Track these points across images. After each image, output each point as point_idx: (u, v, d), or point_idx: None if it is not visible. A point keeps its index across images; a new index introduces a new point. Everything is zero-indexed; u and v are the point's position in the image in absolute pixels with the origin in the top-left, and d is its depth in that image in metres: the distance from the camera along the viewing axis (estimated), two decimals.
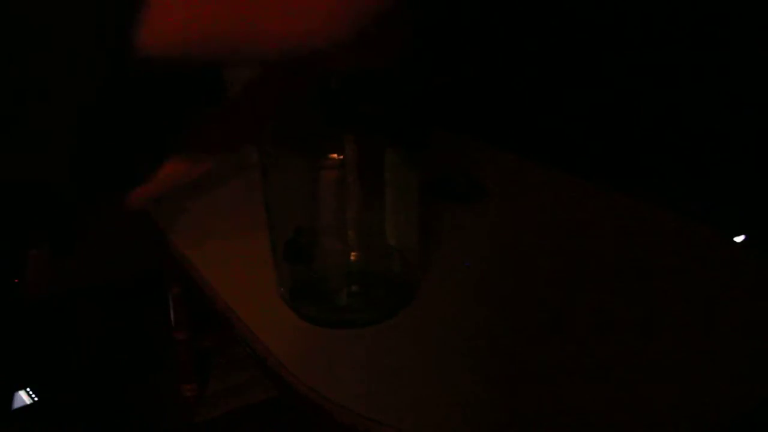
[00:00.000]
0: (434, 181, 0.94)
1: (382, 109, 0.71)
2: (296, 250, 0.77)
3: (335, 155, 0.71)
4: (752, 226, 1.05)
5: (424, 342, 0.73)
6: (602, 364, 0.69)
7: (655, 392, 0.66)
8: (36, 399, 1.30)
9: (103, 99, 0.30)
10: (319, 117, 0.70)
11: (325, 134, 0.71)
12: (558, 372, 0.68)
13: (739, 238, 1.02)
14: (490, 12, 1.15)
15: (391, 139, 0.71)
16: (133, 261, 1.59)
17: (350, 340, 0.73)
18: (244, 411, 1.53)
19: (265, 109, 0.40)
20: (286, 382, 0.70)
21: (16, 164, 0.31)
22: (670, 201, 0.93)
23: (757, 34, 1.08)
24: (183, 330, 1.43)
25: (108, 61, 0.29)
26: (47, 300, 1.54)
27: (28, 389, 1.29)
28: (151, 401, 1.52)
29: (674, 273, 0.81)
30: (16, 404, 1.25)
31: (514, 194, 0.96)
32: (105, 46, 0.29)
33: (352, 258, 0.77)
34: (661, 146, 1.16)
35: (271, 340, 0.73)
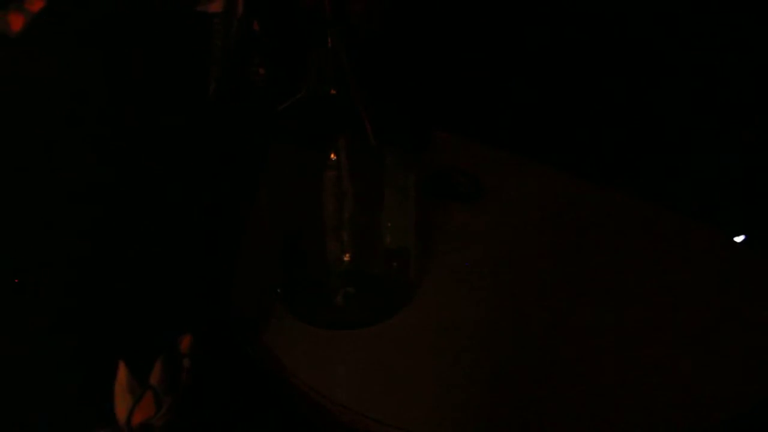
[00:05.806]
0: (434, 180, 0.94)
1: (380, 110, 0.71)
2: (292, 250, 0.77)
3: (332, 155, 0.71)
4: (752, 226, 1.05)
5: (424, 341, 0.73)
6: (602, 364, 0.69)
7: (655, 392, 0.66)
8: None
9: None
10: (316, 118, 0.71)
11: (322, 134, 0.71)
12: (558, 372, 0.68)
13: (739, 238, 1.02)
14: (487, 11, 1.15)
15: (387, 139, 0.71)
16: None
17: (350, 339, 0.73)
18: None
19: None
20: (286, 382, 0.70)
21: None
22: (670, 201, 0.93)
23: (758, 34, 1.08)
24: None
25: None
26: None
27: None
28: None
29: (674, 273, 0.81)
30: None
31: (514, 194, 0.96)
32: None
33: (347, 259, 0.77)
34: (661, 146, 1.16)
35: (271, 340, 0.73)
